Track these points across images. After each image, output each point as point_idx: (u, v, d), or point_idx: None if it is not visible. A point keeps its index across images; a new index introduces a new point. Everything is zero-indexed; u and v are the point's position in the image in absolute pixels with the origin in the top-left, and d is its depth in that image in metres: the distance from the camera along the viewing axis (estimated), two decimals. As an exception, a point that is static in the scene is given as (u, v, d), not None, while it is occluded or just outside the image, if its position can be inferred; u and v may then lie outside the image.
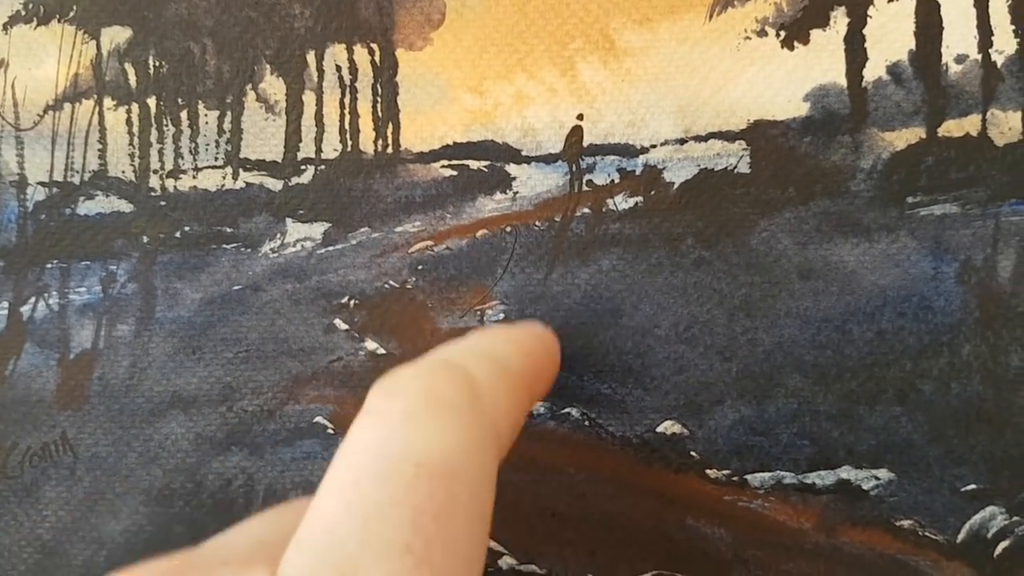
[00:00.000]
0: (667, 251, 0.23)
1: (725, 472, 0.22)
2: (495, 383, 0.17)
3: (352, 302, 0.23)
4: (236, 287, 0.23)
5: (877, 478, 0.22)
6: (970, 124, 0.22)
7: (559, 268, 0.23)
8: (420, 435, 0.14)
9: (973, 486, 0.22)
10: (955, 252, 0.22)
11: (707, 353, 0.22)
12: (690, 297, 0.22)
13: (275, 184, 0.23)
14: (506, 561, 0.23)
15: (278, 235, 0.23)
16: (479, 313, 0.23)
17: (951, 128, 0.22)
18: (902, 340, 0.22)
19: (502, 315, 0.23)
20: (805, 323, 0.22)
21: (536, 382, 0.19)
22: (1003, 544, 0.22)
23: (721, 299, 0.22)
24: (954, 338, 0.22)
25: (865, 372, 0.22)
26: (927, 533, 0.22)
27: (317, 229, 0.23)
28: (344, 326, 0.23)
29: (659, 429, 0.23)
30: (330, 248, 0.23)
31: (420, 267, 0.23)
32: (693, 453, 0.22)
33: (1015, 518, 0.22)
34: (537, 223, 0.23)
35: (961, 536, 0.22)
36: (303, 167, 0.23)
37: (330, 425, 0.23)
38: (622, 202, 0.23)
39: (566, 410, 0.23)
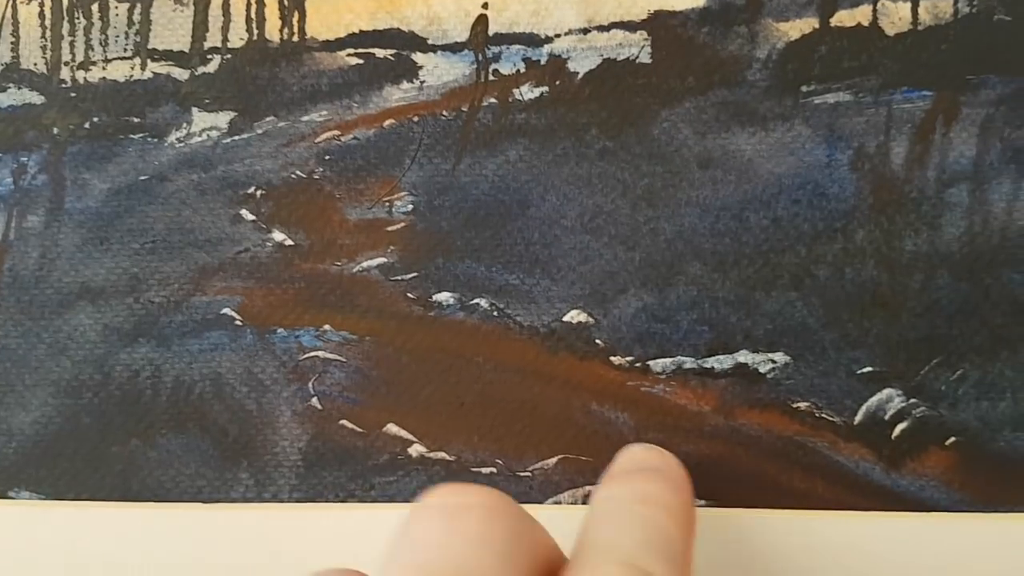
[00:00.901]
0: (572, 141, 0.23)
1: (628, 359, 0.23)
2: None
3: (258, 192, 0.24)
4: (143, 177, 0.24)
5: (774, 361, 0.23)
6: (862, 14, 0.23)
7: (467, 158, 0.23)
8: None
9: (869, 369, 0.23)
10: (848, 140, 0.23)
11: (611, 243, 0.23)
12: (595, 187, 0.23)
13: (182, 74, 0.24)
14: (416, 449, 0.24)
15: (184, 125, 0.24)
16: (387, 204, 0.24)
17: (843, 18, 0.23)
18: (797, 227, 0.23)
19: (410, 206, 0.24)
20: (704, 211, 0.23)
21: (692, 538, 0.21)
22: (901, 426, 0.23)
23: (624, 189, 0.23)
24: (848, 224, 0.23)
25: (761, 259, 0.23)
26: (824, 415, 0.23)
27: (223, 118, 0.24)
28: (251, 216, 0.24)
29: (565, 318, 0.24)
30: (236, 138, 0.24)
31: (327, 157, 0.24)
32: (598, 341, 0.23)
33: (912, 400, 0.23)
34: (444, 113, 0.23)
35: (858, 418, 0.23)
36: (209, 56, 0.24)
37: (237, 316, 0.24)
38: (528, 92, 0.23)
39: (475, 301, 0.24)
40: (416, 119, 0.24)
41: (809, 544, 0.23)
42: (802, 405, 0.23)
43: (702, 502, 0.23)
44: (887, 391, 0.23)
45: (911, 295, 0.23)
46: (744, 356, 0.23)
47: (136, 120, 0.24)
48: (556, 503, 0.24)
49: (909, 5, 0.23)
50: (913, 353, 0.23)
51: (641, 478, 0.21)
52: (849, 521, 0.23)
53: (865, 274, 0.23)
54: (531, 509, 0.23)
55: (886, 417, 0.23)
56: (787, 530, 0.23)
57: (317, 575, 0.18)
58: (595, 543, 0.19)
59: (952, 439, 0.23)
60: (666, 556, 0.18)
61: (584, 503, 0.24)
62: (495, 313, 0.24)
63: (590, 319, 0.23)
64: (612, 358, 0.23)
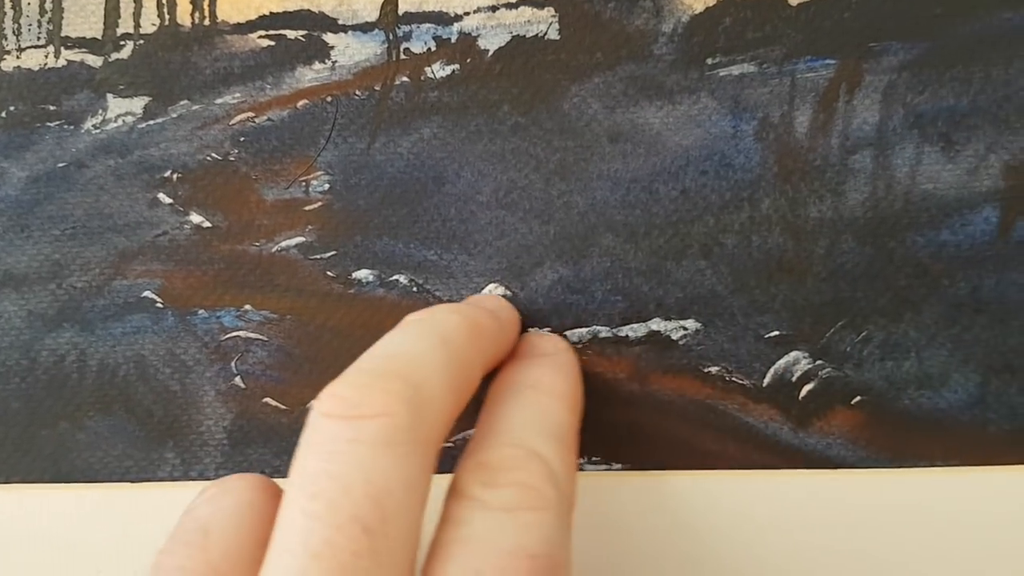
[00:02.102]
0: (485, 118, 0.24)
1: (547, 329, 0.24)
2: (568, 466, 0.20)
3: (175, 176, 0.25)
4: (60, 164, 0.25)
5: (685, 328, 0.24)
6: None
7: (381, 137, 0.24)
8: (525, 531, 0.17)
9: (776, 333, 0.24)
10: (753, 110, 0.24)
11: (526, 217, 0.24)
12: (509, 163, 0.24)
13: (95, 60, 0.25)
14: None
15: (100, 111, 0.25)
16: (304, 184, 0.25)
17: None
18: (705, 197, 0.24)
19: (327, 185, 0.25)
20: (615, 184, 0.24)
21: (578, 419, 0.22)
22: (807, 387, 0.24)
23: (538, 164, 0.24)
24: (754, 193, 0.24)
25: (671, 229, 0.24)
26: (734, 378, 0.24)
27: (137, 103, 0.25)
28: (168, 200, 0.25)
29: (484, 292, 0.25)
30: (151, 122, 0.25)
31: (242, 139, 0.24)
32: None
33: (818, 362, 0.24)
34: (357, 92, 0.24)
35: (767, 380, 0.24)
36: (122, 42, 0.24)
37: (158, 299, 0.25)
38: (440, 70, 0.24)
39: (394, 277, 0.25)
40: (329, 99, 0.24)
41: (721, 503, 0.24)
42: (713, 369, 0.24)
43: (618, 466, 0.25)
44: (794, 354, 0.24)
45: (816, 261, 0.24)
46: (657, 324, 0.24)
47: (52, 108, 0.25)
48: None
49: (810, -25, 0.24)
50: (819, 317, 0.24)
51: (533, 363, 0.23)
52: (759, 479, 0.24)
53: (771, 241, 0.24)
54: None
55: (793, 379, 0.24)
56: (700, 490, 0.24)
57: (216, 482, 0.20)
58: (491, 428, 0.20)
59: (857, 398, 0.24)
60: (556, 438, 0.20)
61: None
62: (414, 289, 0.25)
63: (508, 292, 0.24)
64: (530, 330, 0.24)
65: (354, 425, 0.17)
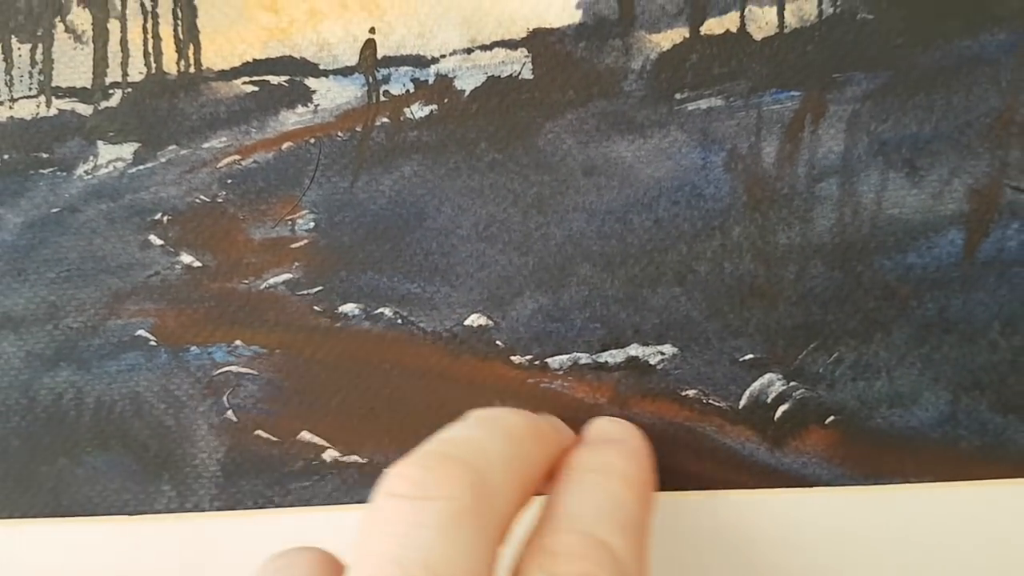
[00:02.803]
0: (463, 155, 0.25)
1: (527, 357, 0.25)
2: (633, 558, 0.19)
3: (165, 218, 0.26)
4: (54, 209, 0.26)
5: (662, 353, 0.25)
6: (730, 21, 0.24)
7: (363, 176, 0.25)
8: None
9: (751, 356, 0.24)
10: (722, 142, 0.24)
11: (506, 249, 0.25)
12: (487, 198, 0.25)
13: (86, 109, 0.26)
14: (330, 454, 0.26)
15: (91, 157, 0.26)
16: (290, 222, 0.25)
17: (712, 26, 0.24)
18: (677, 226, 0.24)
19: (312, 223, 0.25)
20: (591, 216, 0.25)
21: (650, 511, 0.22)
22: (782, 408, 0.24)
23: (515, 198, 0.25)
24: (725, 221, 0.24)
25: (646, 257, 0.25)
26: (711, 401, 0.25)
27: (127, 149, 0.25)
28: (159, 241, 0.26)
29: (466, 322, 0.25)
30: (141, 167, 0.25)
31: (229, 181, 0.25)
32: (498, 342, 0.25)
33: (792, 383, 0.24)
34: (339, 134, 0.25)
35: (743, 402, 0.24)
36: (111, 91, 0.25)
37: (152, 337, 0.26)
38: (418, 110, 0.25)
39: (379, 310, 0.25)
40: (313, 141, 0.25)
41: (700, 522, 0.25)
42: (690, 392, 0.25)
43: None
44: (768, 376, 0.24)
45: (787, 285, 0.24)
46: (635, 349, 0.25)
47: (45, 155, 0.26)
48: None
49: (775, 9, 0.24)
50: (791, 339, 0.24)
51: (603, 450, 0.22)
52: (737, 499, 0.24)
53: (743, 267, 0.24)
54: None
55: (768, 400, 0.24)
56: (678, 510, 0.25)
57: (281, 554, 0.20)
58: (555, 513, 0.20)
59: (831, 418, 0.24)
60: (624, 527, 0.20)
61: None
62: (399, 321, 0.25)
63: (489, 322, 0.25)
64: (512, 358, 0.25)
65: (417, 506, 0.17)
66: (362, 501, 0.26)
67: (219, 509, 0.26)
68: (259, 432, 0.26)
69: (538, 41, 0.25)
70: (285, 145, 0.25)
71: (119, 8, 0.26)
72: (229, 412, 0.26)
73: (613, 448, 0.22)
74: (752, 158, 0.25)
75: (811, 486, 0.25)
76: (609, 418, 0.24)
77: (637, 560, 0.20)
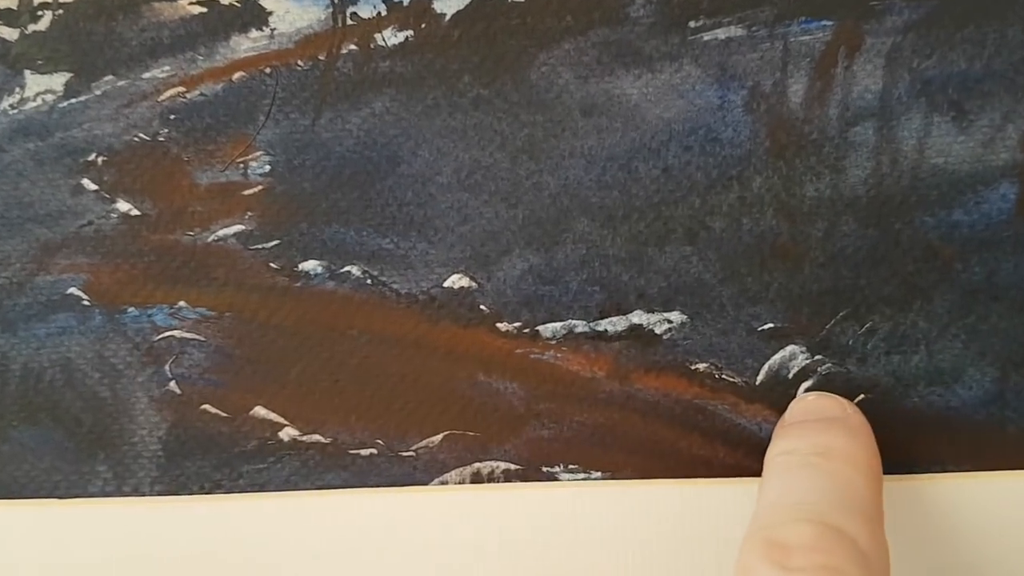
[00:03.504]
0: (443, 90, 0.23)
1: (516, 324, 0.23)
2: (878, 546, 0.18)
3: (100, 159, 0.23)
4: (-28, 149, 0.23)
5: (669, 321, 0.23)
6: None
7: (327, 112, 0.23)
8: None
9: (770, 325, 0.23)
10: (742, 79, 0.22)
11: (491, 200, 0.23)
12: (470, 140, 0.23)
13: (11, 33, 0.23)
14: (287, 433, 0.24)
15: (17, 89, 0.23)
16: (242, 165, 0.23)
17: None
18: (689, 176, 0.23)
19: (267, 167, 0.23)
20: (590, 163, 0.23)
21: (881, 495, 0.21)
22: (806, 384, 0.23)
23: (503, 141, 0.23)
24: (744, 171, 0.23)
25: (653, 212, 0.23)
26: (724, 376, 0.23)
27: (58, 80, 0.23)
28: (93, 186, 0.23)
29: (446, 284, 0.23)
30: (73, 101, 0.23)
31: (172, 117, 0.23)
32: (482, 307, 0.23)
33: (817, 356, 0.23)
34: (299, 63, 0.23)
35: (760, 377, 0.23)
36: (40, 12, 0.23)
37: (85, 296, 0.24)
38: (391, 37, 0.23)
39: (345, 268, 0.23)
40: (268, 71, 0.23)
41: (711, 514, 0.23)
42: (701, 366, 0.23)
43: (597, 474, 0.24)
44: (790, 348, 0.23)
45: (814, 244, 0.23)
46: (638, 317, 0.23)
47: (-38, 86, 0.23)
48: (442, 483, 0.24)
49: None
50: (817, 307, 0.23)
51: (820, 429, 0.21)
52: (753, 489, 0.22)
53: (764, 224, 0.23)
54: (416, 492, 0.23)
55: (790, 375, 0.23)
56: (688, 501, 0.23)
57: None
58: (779, 502, 0.19)
59: (861, 397, 0.23)
60: (857, 512, 0.18)
61: (472, 482, 0.24)
62: (368, 281, 0.23)
63: (472, 283, 0.23)
64: (498, 325, 0.23)
65: None
66: (324, 487, 0.24)
67: (161, 494, 0.24)
68: (206, 407, 0.24)
69: (531, -44, 0.22)
70: (237, 75, 0.23)
71: (47, -85, 0.23)
72: (172, 383, 0.24)
73: (834, 428, 0.21)
74: (777, 97, 0.23)
75: None
76: (819, 393, 0.23)
77: (879, 549, 0.18)
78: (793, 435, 0.21)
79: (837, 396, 0.23)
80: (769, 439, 0.23)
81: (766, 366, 0.23)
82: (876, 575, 0.18)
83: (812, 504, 0.18)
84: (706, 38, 0.22)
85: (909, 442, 0.23)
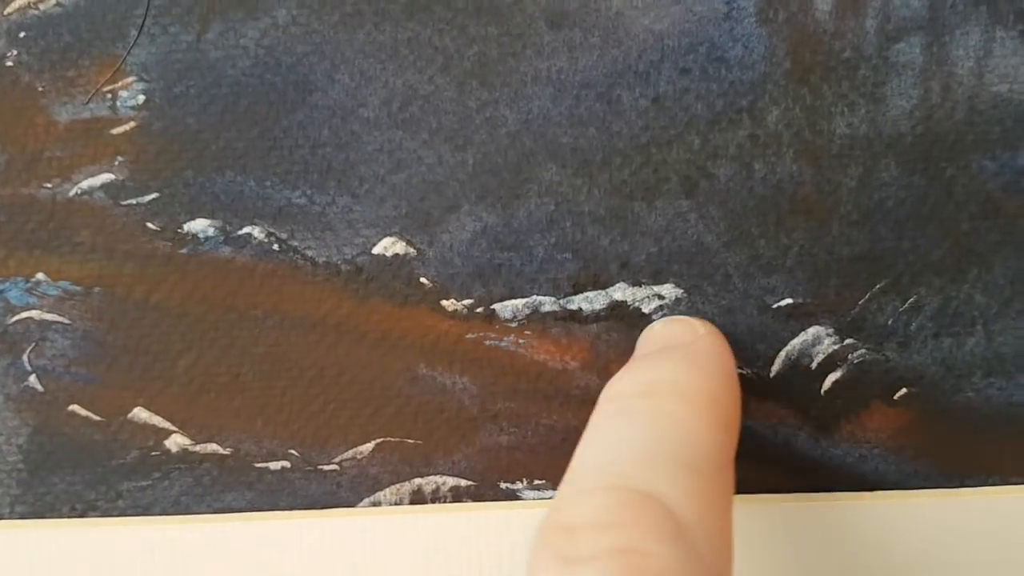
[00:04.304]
0: (368, -5, 0.19)
1: (467, 302, 0.21)
2: (703, 507, 0.15)
3: None
4: None
5: (661, 297, 0.21)
6: None
7: (216, 24, 0.19)
8: None
9: (789, 301, 0.21)
10: None
11: (432, 140, 0.20)
12: (404, 60, 0.19)
13: None
14: (176, 441, 0.21)
15: None
16: (110, 96, 0.19)
17: None
18: (687, 108, 0.20)
19: (141, 96, 0.19)
20: (559, 91, 0.20)
21: (737, 436, 0.18)
22: (833, 376, 0.21)
23: (447, 62, 0.19)
24: (757, 100, 0.20)
25: (640, 155, 0.20)
26: None
27: None
28: None
29: (375, 250, 0.20)
30: None
31: (22, 34, 0.20)
32: (423, 280, 0.21)
33: (848, 341, 0.21)
34: None
35: (775, 368, 0.21)
36: None
37: None
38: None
39: (245, 230, 0.20)
40: None
41: None
42: None
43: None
44: (814, 330, 0.21)
45: (845, 197, 0.20)
46: (621, 292, 0.21)
47: None
48: (374, 504, 0.21)
49: None
50: (848, 277, 0.20)
51: (652, 362, 0.18)
52: (765, 507, 0.21)
53: (781, 171, 0.20)
54: (340, 515, 0.20)
55: (813, 365, 0.21)
56: None
57: None
58: (579, 468, 0.16)
59: (903, 391, 0.21)
60: (676, 463, 0.16)
61: (412, 502, 0.20)
62: (275, 246, 0.20)
63: (410, 249, 0.21)
64: (444, 302, 0.21)
65: None
66: (223, 509, 0.21)
67: (23, 516, 0.21)
68: (75, 408, 0.21)
69: None
70: None
71: None
72: (32, 378, 0.21)
73: (671, 358, 0.18)
74: (799, 3, 0.20)
75: (872, 489, 0.21)
76: (670, 318, 0.20)
77: (703, 507, 0.15)
78: (623, 375, 0.18)
79: (693, 318, 0.20)
80: (787, 446, 0.21)
81: (783, 353, 0.21)
82: (695, 543, 0.14)
83: (615, 465, 0.16)
84: (709, -75, 0.19)
85: (963, 447, 0.21)
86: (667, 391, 0.17)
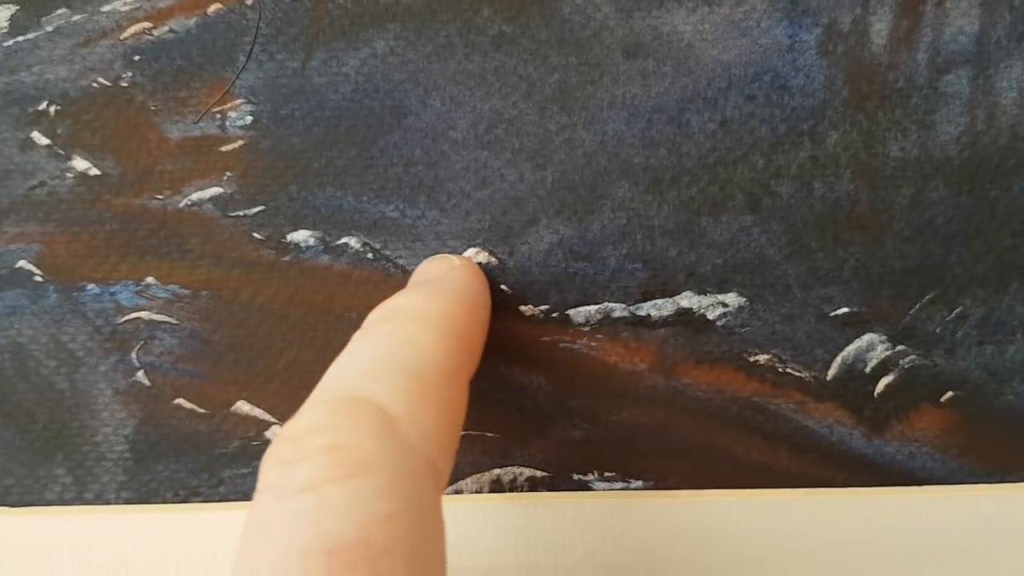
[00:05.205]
0: (458, 27, 0.20)
1: (543, 308, 0.21)
2: (417, 406, 0.16)
3: (53, 108, 0.20)
4: (-100, 94, 0.20)
5: (725, 305, 0.21)
6: None
7: (320, 53, 0.20)
8: (329, 514, 0.13)
9: (845, 310, 0.21)
10: (816, 15, 0.20)
11: (515, 159, 0.20)
12: (491, 87, 0.20)
13: None
14: (276, 432, 0.21)
15: None
16: (219, 116, 0.20)
17: None
18: (752, 131, 0.20)
19: (249, 117, 0.20)
20: (633, 115, 0.20)
21: (472, 348, 0.18)
22: (886, 380, 0.21)
23: (529, 88, 0.20)
24: (817, 125, 0.20)
25: (708, 174, 0.20)
26: (789, 369, 0.21)
27: (2, 15, 0.20)
28: (45, 140, 0.20)
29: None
30: (20, 39, 0.20)
31: (137, 58, 0.20)
32: (504, 287, 0.21)
33: (899, 347, 0.21)
34: None
35: (832, 372, 0.21)
36: None
37: (37, 271, 0.21)
38: (397, -37, 0.20)
39: (342, 240, 0.21)
40: (250, 2, 0.20)
41: (773, 530, 0.21)
42: (761, 358, 0.21)
43: (638, 483, 0.21)
44: (868, 337, 0.21)
45: (897, 214, 0.20)
46: (687, 299, 0.21)
47: None
48: (456, 492, 0.21)
49: None
50: (900, 288, 0.21)
51: (404, 292, 0.19)
52: (823, 500, 0.21)
53: (839, 189, 0.20)
54: None
55: (867, 369, 0.21)
56: (746, 514, 0.21)
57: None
58: (321, 383, 0.16)
59: (950, 394, 0.21)
60: (399, 373, 0.16)
61: (492, 491, 0.21)
62: (370, 255, 0.21)
63: (492, 259, 0.21)
64: (522, 308, 0.21)
65: None
66: None
67: (128, 502, 0.22)
68: (180, 401, 0.21)
69: None
70: (213, 8, 0.20)
71: None
72: (140, 373, 0.21)
73: (420, 289, 0.19)
74: (856, 38, 0.20)
75: (921, 484, 0.21)
76: (436, 256, 0.21)
77: (421, 410, 0.16)
78: (376, 308, 0.18)
79: (456, 256, 0.21)
80: (842, 444, 0.21)
81: (839, 358, 0.21)
82: (406, 437, 0.15)
83: (344, 380, 0.16)
84: (774, -35, 0.20)
85: (1003, 446, 0.21)
86: (406, 314, 0.17)
